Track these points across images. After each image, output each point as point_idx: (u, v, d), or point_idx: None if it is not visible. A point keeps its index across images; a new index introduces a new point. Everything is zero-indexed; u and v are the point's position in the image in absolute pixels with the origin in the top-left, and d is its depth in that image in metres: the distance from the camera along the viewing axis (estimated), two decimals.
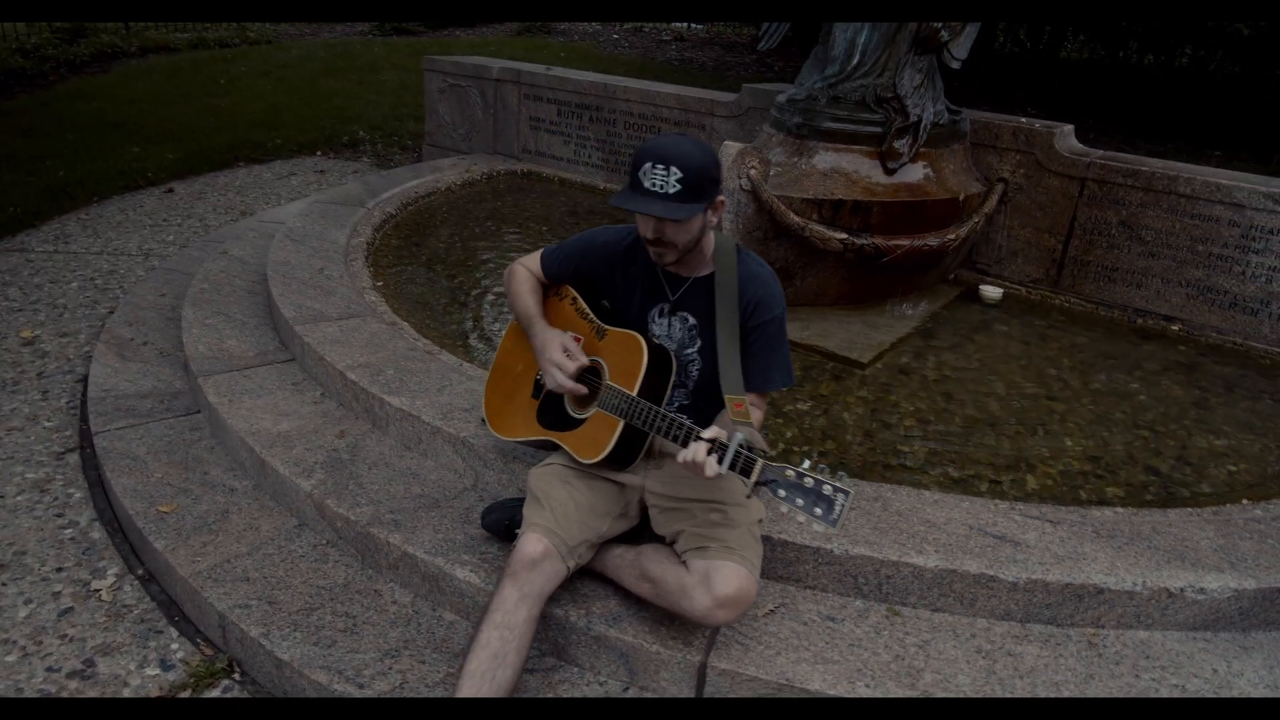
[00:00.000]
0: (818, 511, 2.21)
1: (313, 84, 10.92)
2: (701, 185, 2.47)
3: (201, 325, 4.35)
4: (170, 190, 7.22)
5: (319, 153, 8.63)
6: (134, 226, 6.38)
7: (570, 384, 2.72)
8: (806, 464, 2.26)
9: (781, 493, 2.25)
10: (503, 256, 5.33)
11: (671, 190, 2.44)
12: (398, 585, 3.00)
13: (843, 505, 2.19)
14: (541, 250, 2.92)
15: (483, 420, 3.31)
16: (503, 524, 2.94)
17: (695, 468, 2.35)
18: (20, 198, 6.59)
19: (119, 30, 12.71)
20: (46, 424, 4.00)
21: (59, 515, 3.46)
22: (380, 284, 4.66)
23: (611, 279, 2.81)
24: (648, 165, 2.46)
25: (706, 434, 2.37)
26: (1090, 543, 2.88)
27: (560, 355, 2.74)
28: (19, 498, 3.54)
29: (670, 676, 2.65)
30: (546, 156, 7.09)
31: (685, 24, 14.11)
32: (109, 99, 9.63)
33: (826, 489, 2.21)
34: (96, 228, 6.34)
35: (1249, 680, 2.62)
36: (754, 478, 2.29)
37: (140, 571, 3.20)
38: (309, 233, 5.19)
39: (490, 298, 4.77)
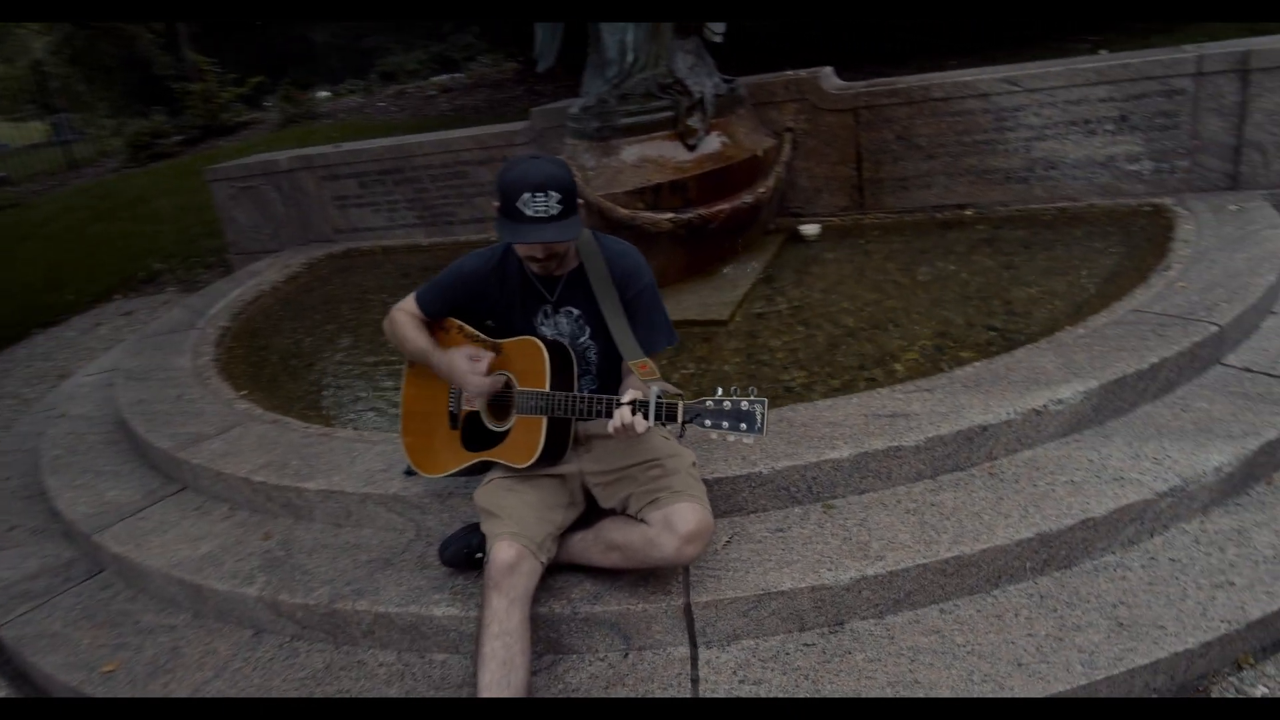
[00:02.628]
0: (743, 426, 2.56)
1: (82, 233, 10.66)
2: (573, 198, 2.76)
3: (72, 489, 4.31)
4: None
5: (117, 297, 8.49)
6: None
7: (488, 381, 2.95)
8: (719, 391, 2.62)
9: (708, 422, 2.59)
10: (353, 334, 5.56)
11: (555, 212, 2.70)
12: (378, 648, 3.15)
13: (762, 413, 2.55)
14: (414, 293, 3.13)
15: (407, 471, 3.48)
16: (462, 553, 3.14)
17: (627, 430, 2.65)
18: None
19: None
20: None
21: None
22: (245, 392, 4.74)
23: (488, 300, 3.05)
24: (526, 195, 2.69)
25: (625, 398, 2.69)
26: (963, 395, 3.40)
27: (468, 363, 2.97)
28: None
29: (662, 627, 2.94)
30: (361, 230, 7.30)
31: (448, 75, 14.49)
32: None
33: (744, 404, 2.57)
34: None
35: (1118, 459, 3.19)
36: (680, 418, 2.61)
37: None
38: (150, 367, 5.19)
39: (357, 371, 4.96)
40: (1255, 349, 3.86)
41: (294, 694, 3.01)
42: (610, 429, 2.68)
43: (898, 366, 3.99)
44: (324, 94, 14.27)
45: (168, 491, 4.13)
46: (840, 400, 3.52)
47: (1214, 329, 3.69)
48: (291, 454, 3.86)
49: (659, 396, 2.65)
